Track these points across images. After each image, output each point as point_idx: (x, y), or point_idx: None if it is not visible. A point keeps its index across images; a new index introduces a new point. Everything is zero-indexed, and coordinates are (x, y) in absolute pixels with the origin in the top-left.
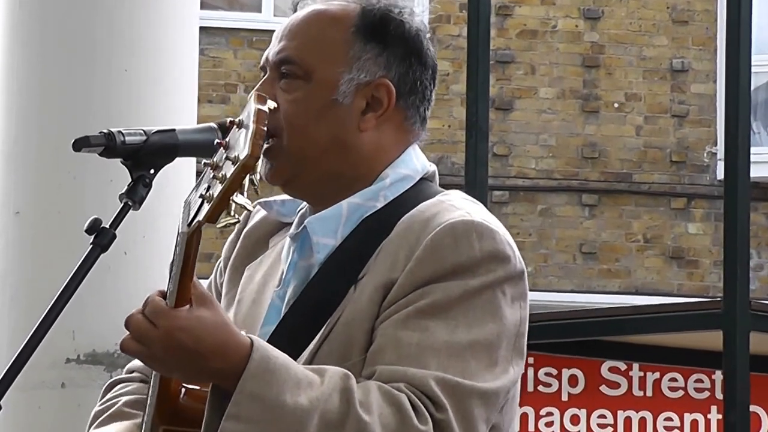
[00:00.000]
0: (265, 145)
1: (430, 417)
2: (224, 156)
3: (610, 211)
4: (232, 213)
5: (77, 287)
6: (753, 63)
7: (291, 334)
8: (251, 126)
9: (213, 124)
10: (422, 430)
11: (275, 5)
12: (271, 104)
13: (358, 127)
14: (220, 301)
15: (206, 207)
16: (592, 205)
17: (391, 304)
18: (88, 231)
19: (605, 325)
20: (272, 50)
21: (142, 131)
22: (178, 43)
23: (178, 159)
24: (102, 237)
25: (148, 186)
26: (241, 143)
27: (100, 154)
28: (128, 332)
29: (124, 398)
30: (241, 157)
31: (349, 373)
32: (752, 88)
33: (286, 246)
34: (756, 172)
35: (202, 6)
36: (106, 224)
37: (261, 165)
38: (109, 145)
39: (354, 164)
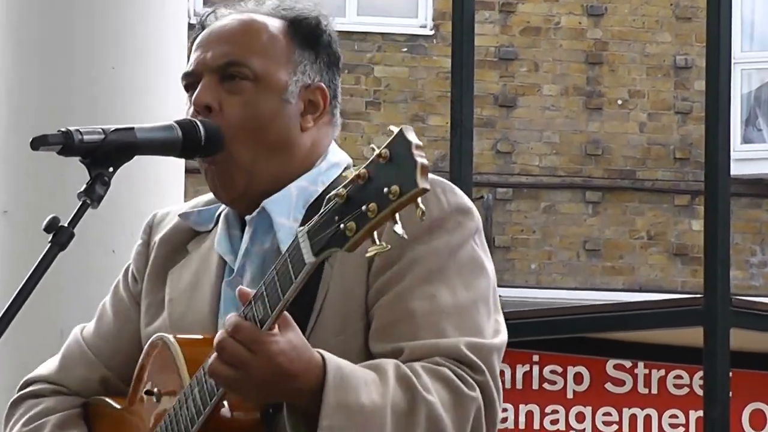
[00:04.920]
0: (207, 164)
1: (474, 381)
2: (363, 188)
3: (613, 208)
4: (377, 241)
5: (35, 286)
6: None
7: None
8: (418, 160)
9: (173, 122)
10: (473, 396)
11: None
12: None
13: (300, 126)
14: (133, 308)
15: (349, 236)
16: (595, 202)
17: (381, 272)
18: (47, 229)
19: (586, 322)
20: (208, 54)
21: (100, 129)
22: (166, 40)
23: (168, 159)
24: (60, 235)
25: (107, 184)
26: (402, 175)
27: (58, 153)
28: (217, 356)
29: (53, 418)
30: (409, 190)
31: (398, 362)
32: (758, 85)
33: (224, 240)
34: (760, 168)
35: (204, 3)
36: (65, 222)
37: (208, 177)
38: (67, 144)
39: (296, 161)
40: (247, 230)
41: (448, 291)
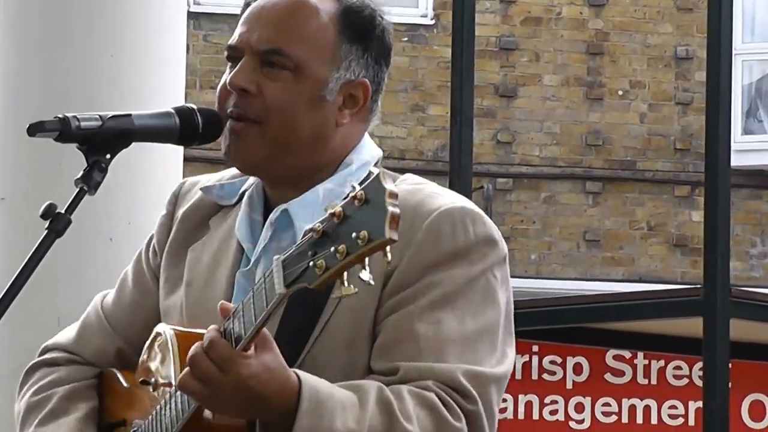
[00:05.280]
0: (235, 124)
1: (461, 411)
2: (338, 226)
3: (613, 199)
4: (346, 284)
5: (31, 273)
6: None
7: (291, 326)
8: (389, 210)
9: (170, 109)
10: (457, 426)
11: None
12: (392, 186)
13: (335, 122)
14: (152, 281)
15: (317, 274)
16: (595, 193)
17: (396, 292)
18: (43, 216)
19: (586, 312)
20: (253, 35)
21: (98, 116)
22: (165, 29)
23: (166, 147)
24: (57, 222)
25: (104, 171)
26: (373, 222)
27: (55, 140)
28: (189, 370)
29: (61, 389)
30: (376, 239)
31: (382, 385)
32: (759, 76)
33: (244, 225)
34: (761, 159)
35: None
36: (62, 209)
37: (225, 142)
38: (64, 130)
39: (325, 155)
40: (268, 227)
41: (455, 319)
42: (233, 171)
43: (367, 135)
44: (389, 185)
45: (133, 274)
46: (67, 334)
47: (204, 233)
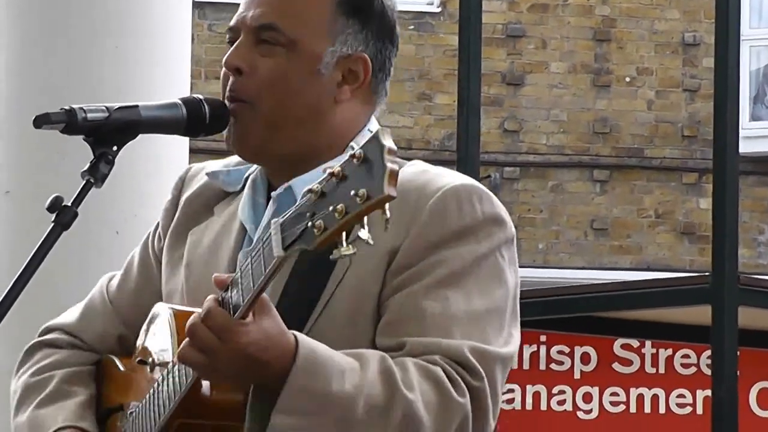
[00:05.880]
0: (231, 105)
1: (466, 386)
2: (337, 186)
3: (621, 187)
4: (345, 245)
5: (38, 266)
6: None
7: (292, 302)
8: (387, 166)
9: (177, 100)
10: (461, 402)
11: None
12: (391, 144)
13: (334, 98)
14: (156, 266)
15: (316, 234)
16: (603, 181)
17: (401, 271)
18: (50, 209)
19: (593, 301)
20: (248, 14)
21: (104, 108)
22: (170, 19)
23: (172, 138)
24: (63, 215)
25: (111, 163)
26: (371, 179)
27: (61, 131)
28: (188, 341)
29: (60, 372)
30: (375, 196)
31: (385, 354)
32: (767, 62)
33: (247, 206)
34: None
35: None
36: (68, 202)
37: (228, 131)
38: (71, 122)
39: (325, 134)
40: (271, 204)
41: (462, 297)
42: (238, 158)
43: (375, 120)
44: (388, 142)
45: (138, 259)
46: (70, 315)
47: (206, 218)
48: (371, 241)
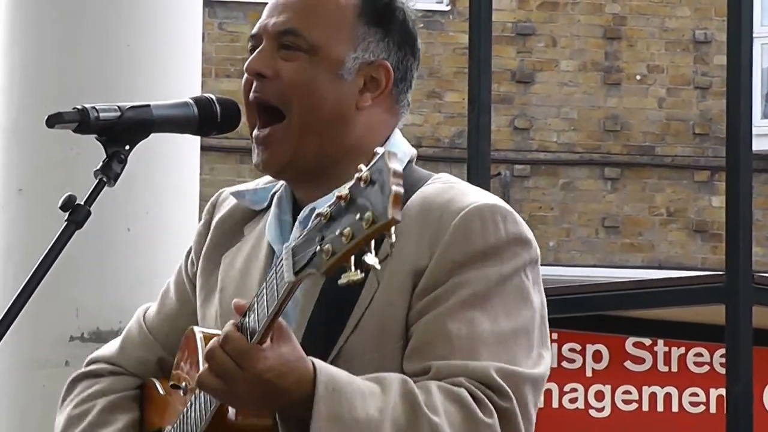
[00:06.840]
0: (265, 133)
1: (494, 407)
2: (345, 209)
3: (632, 185)
4: (353, 269)
5: (51, 264)
6: None
7: (319, 326)
8: (392, 189)
9: (189, 99)
10: (488, 422)
11: None
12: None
13: (355, 104)
14: (191, 290)
15: (324, 259)
16: (614, 179)
17: (426, 293)
18: (63, 207)
19: (605, 300)
20: (270, 21)
21: (116, 107)
22: (182, 18)
23: (183, 137)
24: (77, 214)
25: (123, 162)
26: (377, 203)
27: (74, 131)
28: (207, 366)
29: (101, 401)
30: (380, 220)
31: (407, 377)
32: None
33: (274, 226)
34: None
35: None
36: (81, 201)
37: (255, 153)
38: (83, 121)
39: (349, 142)
40: (297, 227)
41: (488, 318)
42: (267, 178)
43: (398, 132)
44: (394, 164)
45: (174, 284)
46: (110, 347)
47: (238, 240)
48: (378, 267)
